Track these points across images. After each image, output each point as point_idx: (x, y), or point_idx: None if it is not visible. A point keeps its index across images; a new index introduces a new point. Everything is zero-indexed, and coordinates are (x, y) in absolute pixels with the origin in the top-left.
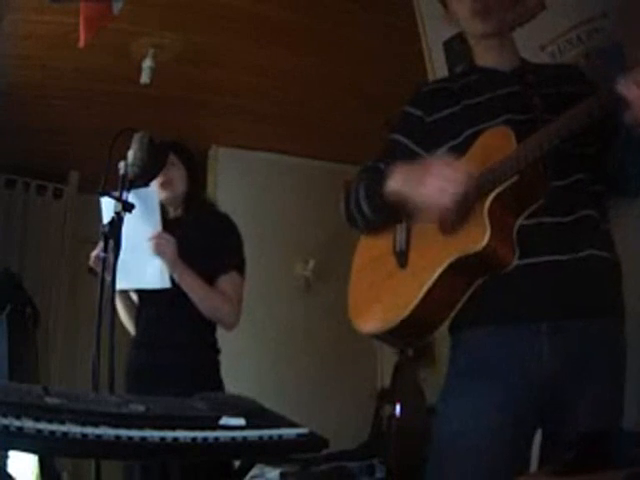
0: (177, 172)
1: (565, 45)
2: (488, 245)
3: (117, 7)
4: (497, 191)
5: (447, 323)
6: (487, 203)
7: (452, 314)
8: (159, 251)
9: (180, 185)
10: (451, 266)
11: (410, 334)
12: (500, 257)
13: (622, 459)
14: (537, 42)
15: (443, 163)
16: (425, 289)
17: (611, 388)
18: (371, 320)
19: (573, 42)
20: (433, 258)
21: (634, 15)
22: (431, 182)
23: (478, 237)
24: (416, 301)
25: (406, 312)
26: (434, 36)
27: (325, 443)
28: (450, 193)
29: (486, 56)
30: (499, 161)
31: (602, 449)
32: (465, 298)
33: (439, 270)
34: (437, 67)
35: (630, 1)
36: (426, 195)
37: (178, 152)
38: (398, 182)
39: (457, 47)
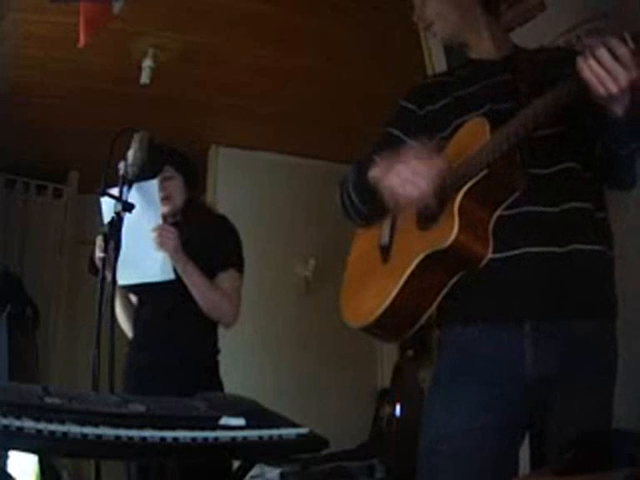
0: (175, 186)
1: (565, 45)
2: (456, 242)
3: (117, 7)
4: (468, 185)
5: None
6: (458, 199)
7: (432, 309)
8: (162, 243)
9: (179, 197)
10: (423, 262)
11: (390, 329)
12: (471, 253)
13: (622, 459)
14: (537, 42)
15: (414, 155)
16: (399, 285)
17: (598, 389)
18: (355, 314)
19: (573, 42)
20: (409, 254)
21: (633, 15)
22: (398, 173)
23: (446, 234)
24: (391, 297)
25: (382, 307)
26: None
27: (325, 443)
28: (415, 186)
29: (478, 48)
30: (471, 154)
31: (602, 449)
32: (444, 292)
33: (411, 266)
34: (437, 67)
35: (630, 1)
36: (391, 186)
37: (174, 163)
38: (377, 172)
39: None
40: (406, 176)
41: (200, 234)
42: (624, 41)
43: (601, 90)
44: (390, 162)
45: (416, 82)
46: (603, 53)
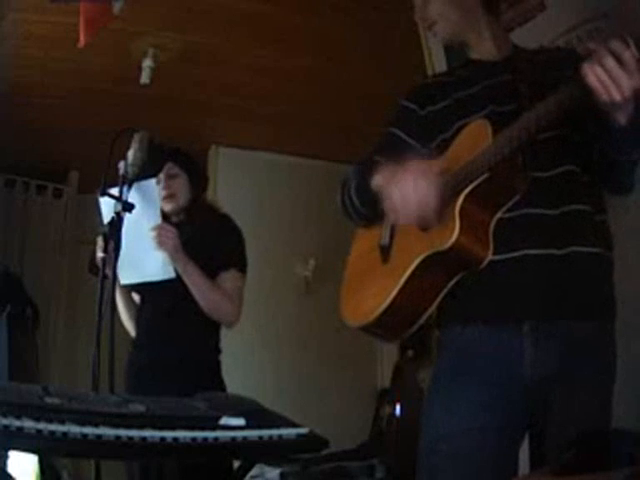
0: (180, 184)
1: (565, 45)
2: (456, 243)
3: (117, 7)
4: (470, 188)
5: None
6: (459, 201)
7: (432, 309)
8: (161, 243)
9: (184, 196)
10: (423, 263)
11: (389, 328)
12: (472, 254)
13: (622, 459)
14: (537, 42)
15: (418, 171)
16: (399, 285)
17: (597, 389)
18: (354, 313)
19: (573, 42)
20: (409, 254)
21: (634, 15)
22: (400, 189)
23: (447, 235)
24: (391, 296)
25: (382, 307)
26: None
27: (325, 443)
28: (415, 207)
29: (479, 48)
30: (473, 157)
31: (601, 449)
32: (443, 294)
33: (412, 267)
34: (437, 67)
35: (630, 1)
36: (392, 201)
37: (179, 161)
38: (381, 179)
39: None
40: (408, 193)
41: (203, 233)
42: (628, 47)
43: (605, 97)
44: (393, 170)
45: (416, 82)
46: (609, 60)
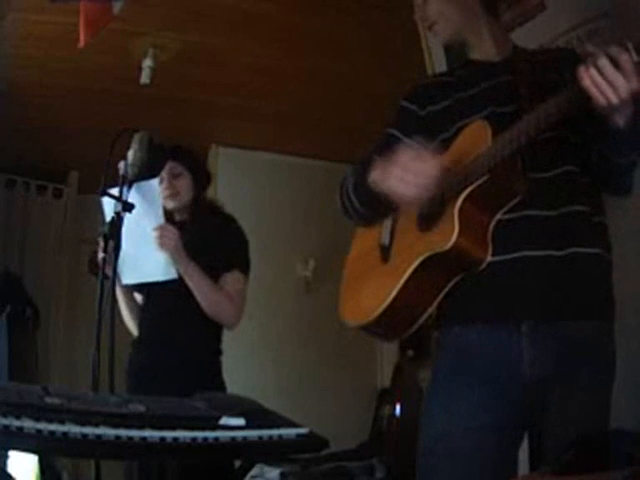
0: (183, 182)
1: (565, 45)
2: (455, 245)
3: (117, 7)
4: (469, 189)
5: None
6: (458, 203)
7: (431, 309)
8: (162, 243)
9: (187, 194)
10: (422, 264)
11: (389, 327)
12: (471, 256)
13: (620, 459)
14: (537, 42)
15: (409, 155)
16: (399, 285)
17: (596, 390)
18: (353, 313)
19: (573, 42)
20: (409, 254)
21: (634, 15)
22: (392, 174)
23: (446, 237)
24: (392, 296)
25: (383, 306)
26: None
27: (325, 443)
28: (417, 184)
29: (479, 48)
30: (472, 158)
31: (600, 449)
32: (443, 294)
33: (411, 267)
34: (437, 67)
35: (630, 1)
36: (388, 187)
37: (181, 159)
38: (377, 173)
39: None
40: (401, 176)
41: (206, 234)
42: (627, 51)
43: (601, 100)
44: (387, 164)
45: (416, 82)
46: (605, 63)
